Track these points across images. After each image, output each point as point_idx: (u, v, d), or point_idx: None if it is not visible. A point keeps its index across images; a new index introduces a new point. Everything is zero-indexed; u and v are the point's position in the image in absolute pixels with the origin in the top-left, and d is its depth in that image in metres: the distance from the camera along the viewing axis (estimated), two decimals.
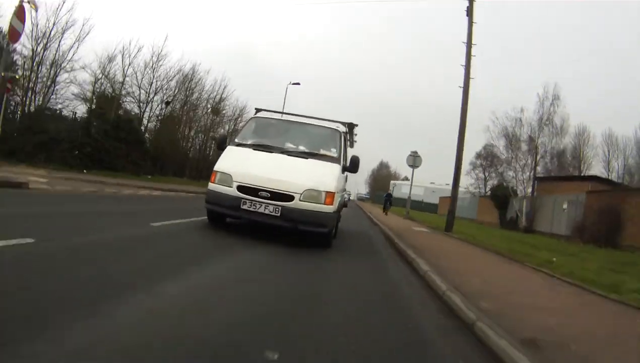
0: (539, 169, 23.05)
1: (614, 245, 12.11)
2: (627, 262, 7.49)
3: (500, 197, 21.69)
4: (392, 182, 60.99)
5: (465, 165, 22.56)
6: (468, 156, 29.28)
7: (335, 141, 5.58)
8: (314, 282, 3.41)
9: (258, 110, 6.27)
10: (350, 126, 6.35)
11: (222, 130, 25.73)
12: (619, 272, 5.94)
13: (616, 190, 14.31)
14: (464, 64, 12.23)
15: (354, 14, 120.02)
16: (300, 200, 4.53)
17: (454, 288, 3.26)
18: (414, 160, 16.91)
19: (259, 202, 4.50)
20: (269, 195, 4.50)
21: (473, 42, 11.97)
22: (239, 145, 5.33)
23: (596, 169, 29.32)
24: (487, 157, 28.62)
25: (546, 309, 3.17)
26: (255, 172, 4.68)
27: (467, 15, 11.70)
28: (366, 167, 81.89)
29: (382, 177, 75.13)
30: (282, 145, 5.34)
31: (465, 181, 30.03)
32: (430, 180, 57.44)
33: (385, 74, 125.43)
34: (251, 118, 6.23)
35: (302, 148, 5.36)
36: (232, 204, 4.58)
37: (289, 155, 5.09)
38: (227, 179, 4.69)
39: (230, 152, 5.21)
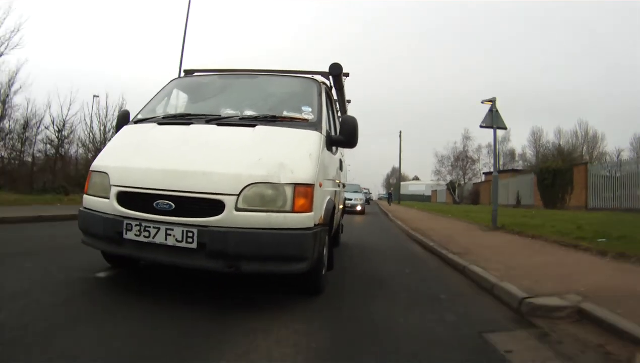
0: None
1: (477, 203, 31.04)
2: (460, 207, 26.63)
3: (450, 187, 40.46)
4: (401, 183, 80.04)
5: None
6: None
7: (310, 95, 3.08)
8: None
9: (188, 72, 3.79)
10: (335, 71, 3.55)
11: None
12: (447, 209, 25.07)
13: (479, 182, 33.32)
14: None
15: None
16: (237, 209, 2.21)
17: (394, 216, 22.48)
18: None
19: (153, 222, 2.24)
20: (173, 206, 2.24)
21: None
22: (139, 121, 2.99)
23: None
24: (464, 159, 47.35)
25: (411, 218, 22.38)
26: (145, 162, 2.42)
27: (399, 137, 31.26)
28: (381, 171, 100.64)
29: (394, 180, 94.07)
30: (213, 112, 2.98)
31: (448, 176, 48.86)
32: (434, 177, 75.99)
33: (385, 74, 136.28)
34: (170, 81, 3.50)
35: (249, 112, 3.03)
36: (107, 233, 2.36)
37: (219, 124, 2.70)
38: (102, 182, 2.49)
39: (121, 135, 2.91)
